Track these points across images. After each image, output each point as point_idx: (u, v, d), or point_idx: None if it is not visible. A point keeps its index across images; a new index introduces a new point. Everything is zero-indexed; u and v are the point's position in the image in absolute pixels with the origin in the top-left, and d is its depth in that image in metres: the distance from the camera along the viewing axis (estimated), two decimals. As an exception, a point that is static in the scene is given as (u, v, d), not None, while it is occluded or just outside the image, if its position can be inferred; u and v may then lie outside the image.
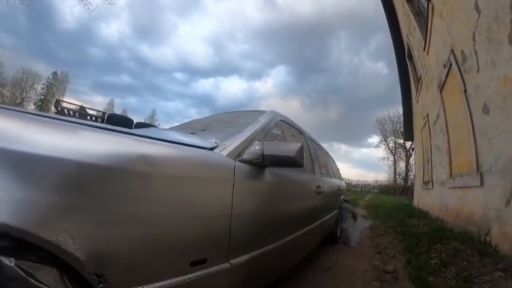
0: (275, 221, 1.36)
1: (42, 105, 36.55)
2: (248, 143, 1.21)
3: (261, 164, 1.16)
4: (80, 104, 7.30)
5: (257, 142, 1.21)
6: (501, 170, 2.39)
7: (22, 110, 0.82)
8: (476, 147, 3.01)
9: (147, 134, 0.90)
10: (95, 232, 0.57)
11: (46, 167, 0.52)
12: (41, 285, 0.48)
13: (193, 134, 1.41)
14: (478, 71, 2.88)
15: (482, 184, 2.81)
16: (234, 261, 0.98)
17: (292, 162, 1.18)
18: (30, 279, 0.47)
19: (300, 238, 1.71)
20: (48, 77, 42.93)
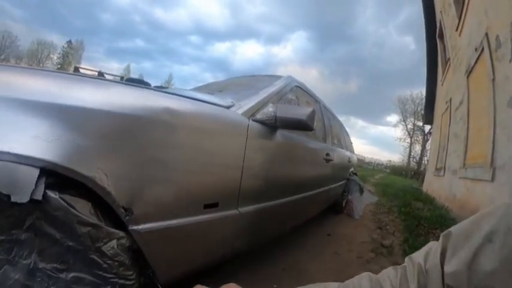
0: (282, 180, 1.44)
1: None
2: (262, 104, 1.27)
3: (273, 124, 1.22)
4: (97, 70, 7.44)
5: (271, 104, 1.25)
6: (514, 168, 2.33)
7: (60, 71, 0.91)
8: (494, 141, 2.91)
9: (170, 91, 0.98)
10: (124, 172, 0.65)
11: (85, 117, 0.61)
12: (79, 214, 0.56)
13: (211, 94, 1.45)
14: (510, 61, 2.67)
15: (492, 180, 2.77)
16: (242, 209, 1.08)
17: (303, 125, 1.23)
18: (71, 209, 0.56)
19: (305, 200, 1.80)
20: (63, 46, 42.87)
